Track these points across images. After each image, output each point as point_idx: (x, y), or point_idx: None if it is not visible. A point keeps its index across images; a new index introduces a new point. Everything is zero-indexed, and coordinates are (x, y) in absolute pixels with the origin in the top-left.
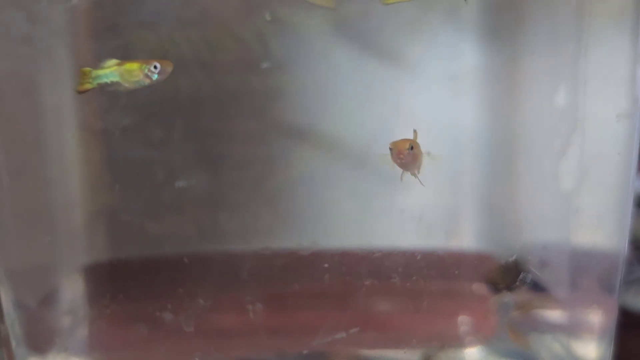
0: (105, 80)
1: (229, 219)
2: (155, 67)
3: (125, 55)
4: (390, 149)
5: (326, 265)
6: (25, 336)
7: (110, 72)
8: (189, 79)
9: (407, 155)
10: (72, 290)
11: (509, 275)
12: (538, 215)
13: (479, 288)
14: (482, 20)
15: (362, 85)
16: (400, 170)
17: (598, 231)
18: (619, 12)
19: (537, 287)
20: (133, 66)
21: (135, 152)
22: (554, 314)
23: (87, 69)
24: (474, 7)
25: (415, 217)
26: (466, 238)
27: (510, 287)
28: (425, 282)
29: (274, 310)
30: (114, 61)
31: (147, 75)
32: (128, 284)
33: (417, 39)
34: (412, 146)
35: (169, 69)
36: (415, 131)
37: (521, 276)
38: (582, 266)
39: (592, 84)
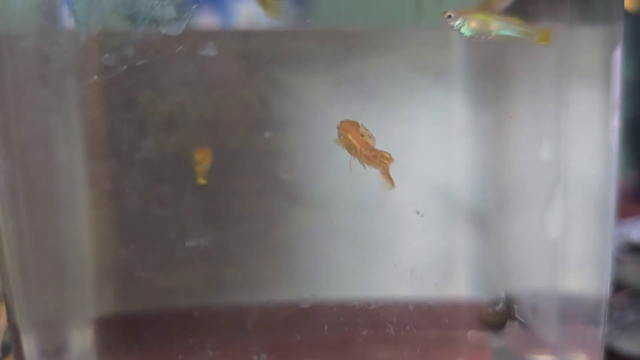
0: None
1: (234, 272)
2: None
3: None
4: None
5: (325, 316)
6: None
7: None
8: (194, 139)
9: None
10: (84, 342)
11: (501, 315)
12: (527, 263)
13: (473, 335)
14: (470, 79)
15: None
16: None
17: (582, 277)
18: (593, 69)
19: (528, 330)
20: None
21: (144, 209)
22: (544, 358)
23: None
24: (462, 66)
25: (408, 268)
26: (459, 286)
27: (502, 327)
28: (418, 331)
29: (278, 358)
30: None
31: None
32: (139, 336)
33: (409, 98)
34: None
35: None
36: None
37: (511, 315)
38: (569, 311)
39: (572, 137)
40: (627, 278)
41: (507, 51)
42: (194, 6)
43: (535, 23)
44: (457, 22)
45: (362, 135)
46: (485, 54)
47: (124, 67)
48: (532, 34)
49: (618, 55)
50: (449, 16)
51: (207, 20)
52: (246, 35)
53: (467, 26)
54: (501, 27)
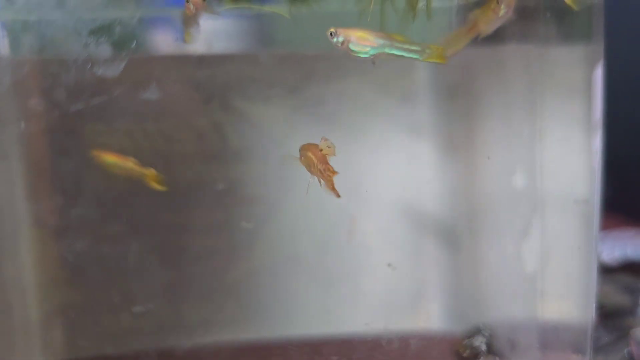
0: None
1: (192, 313)
2: None
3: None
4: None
5: None
6: None
7: None
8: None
9: None
10: None
11: (475, 344)
12: (504, 295)
13: None
14: (437, 103)
15: None
16: None
17: (564, 307)
18: (571, 89)
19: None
20: None
21: (94, 249)
22: None
23: None
24: (428, 89)
25: (380, 300)
26: (433, 319)
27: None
28: None
29: None
30: None
31: None
32: None
33: (374, 122)
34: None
35: None
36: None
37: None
38: (551, 343)
39: (549, 163)
40: (599, 299)
41: (476, 73)
42: (134, 43)
43: (508, 44)
44: (339, 39)
45: (321, 150)
46: (452, 76)
47: (68, 97)
48: (420, 52)
49: (599, 73)
50: (331, 33)
51: (158, 43)
52: (200, 60)
53: (348, 43)
54: (385, 45)
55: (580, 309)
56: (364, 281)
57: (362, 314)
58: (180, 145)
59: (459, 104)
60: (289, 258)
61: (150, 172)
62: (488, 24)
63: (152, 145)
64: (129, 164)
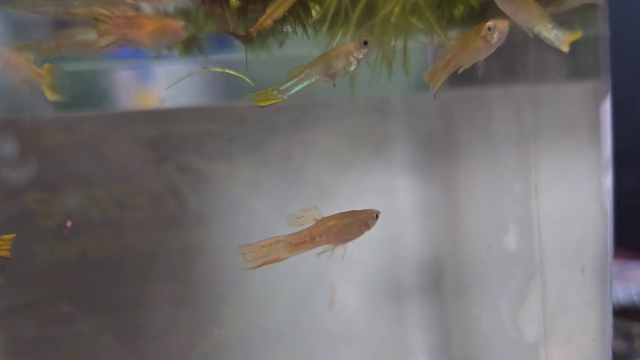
0: None
1: None
2: None
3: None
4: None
5: None
6: None
7: None
8: (95, 242)
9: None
10: None
11: None
12: None
13: None
14: (415, 150)
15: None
16: None
17: None
18: (574, 134)
19: None
20: None
21: (37, 332)
22: None
23: None
24: (404, 139)
25: None
26: None
27: None
28: None
29: None
30: None
31: None
32: None
33: (346, 177)
34: None
35: None
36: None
37: None
38: None
39: (549, 228)
40: None
41: (457, 118)
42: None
43: (492, 85)
44: None
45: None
46: (430, 123)
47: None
48: None
49: (606, 109)
50: None
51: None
52: (152, 115)
53: None
54: None
55: None
56: (341, 351)
57: None
58: (133, 211)
59: (438, 153)
60: (259, 329)
61: None
62: (476, 53)
63: (103, 213)
64: None
